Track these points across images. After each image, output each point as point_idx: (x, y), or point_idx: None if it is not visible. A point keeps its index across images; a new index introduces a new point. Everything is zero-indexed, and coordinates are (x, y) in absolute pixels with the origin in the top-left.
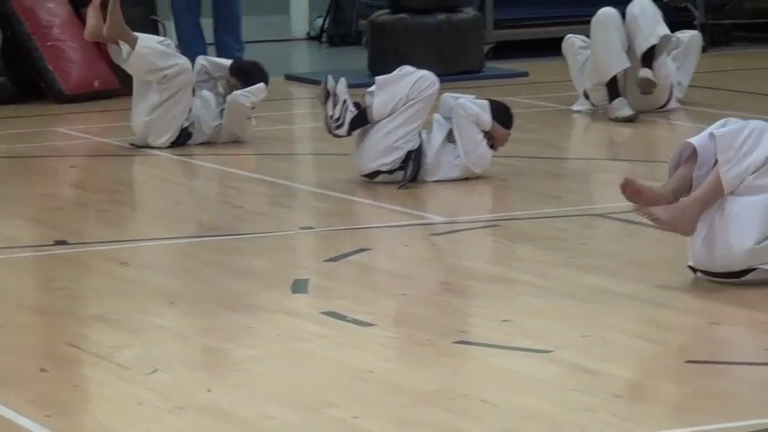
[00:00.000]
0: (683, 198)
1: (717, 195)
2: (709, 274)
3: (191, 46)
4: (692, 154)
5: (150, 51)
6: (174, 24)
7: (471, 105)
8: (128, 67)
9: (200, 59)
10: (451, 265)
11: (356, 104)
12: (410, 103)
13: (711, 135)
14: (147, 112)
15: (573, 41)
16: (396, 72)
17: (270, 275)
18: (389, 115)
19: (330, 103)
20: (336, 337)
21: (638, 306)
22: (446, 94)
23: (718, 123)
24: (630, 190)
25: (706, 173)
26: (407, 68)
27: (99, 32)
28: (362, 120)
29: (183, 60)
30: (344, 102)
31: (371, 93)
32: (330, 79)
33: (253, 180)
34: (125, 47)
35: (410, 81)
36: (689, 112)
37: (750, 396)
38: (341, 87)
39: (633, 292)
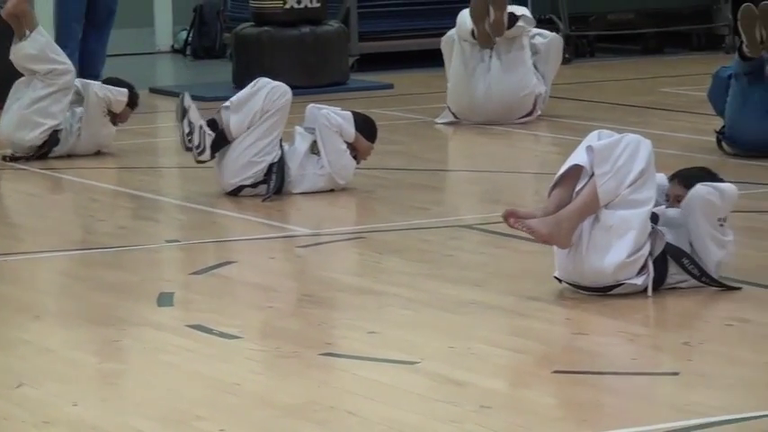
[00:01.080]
0: (560, 211)
1: (593, 208)
2: (576, 287)
3: (70, 56)
4: (571, 175)
5: (47, 41)
6: (58, 34)
7: (335, 116)
8: (18, 50)
9: (76, 81)
10: (317, 277)
11: (212, 123)
12: (266, 115)
13: (589, 148)
14: (25, 106)
15: (452, 35)
16: (249, 87)
17: (135, 289)
18: (248, 129)
19: (186, 121)
20: (203, 350)
21: (504, 317)
22: (311, 105)
23: (592, 135)
24: (513, 219)
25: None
26: (262, 81)
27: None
28: (223, 141)
29: (70, 63)
30: (200, 127)
31: (227, 108)
32: (187, 97)
33: (118, 193)
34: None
35: (263, 93)
36: (552, 122)
37: (617, 405)
38: (193, 114)
39: (499, 303)
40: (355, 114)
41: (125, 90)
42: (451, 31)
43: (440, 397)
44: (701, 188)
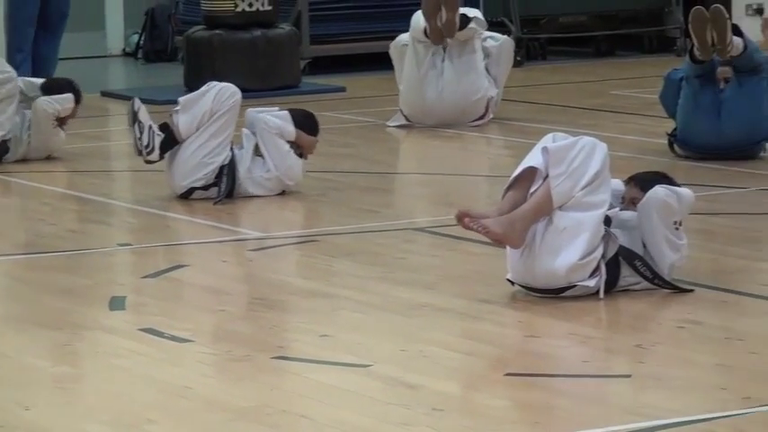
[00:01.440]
0: (514, 211)
1: (547, 209)
2: (528, 289)
3: (24, 60)
4: (526, 176)
5: None
6: (11, 38)
7: (273, 119)
8: None
9: (19, 81)
10: (269, 280)
11: (163, 126)
12: (215, 116)
13: (544, 150)
14: None
15: (400, 41)
16: (200, 89)
17: (87, 293)
18: (197, 131)
19: (137, 127)
20: (155, 354)
21: (456, 320)
22: (249, 109)
23: (547, 138)
24: (468, 219)
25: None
26: (212, 84)
27: None
28: (172, 141)
29: (11, 70)
30: (150, 127)
31: (177, 111)
32: (137, 100)
33: (69, 197)
34: None
35: (212, 94)
36: (504, 125)
37: (569, 408)
38: (143, 114)
39: (452, 306)
40: (292, 111)
41: (70, 96)
42: (400, 37)
43: (392, 400)
44: (659, 190)
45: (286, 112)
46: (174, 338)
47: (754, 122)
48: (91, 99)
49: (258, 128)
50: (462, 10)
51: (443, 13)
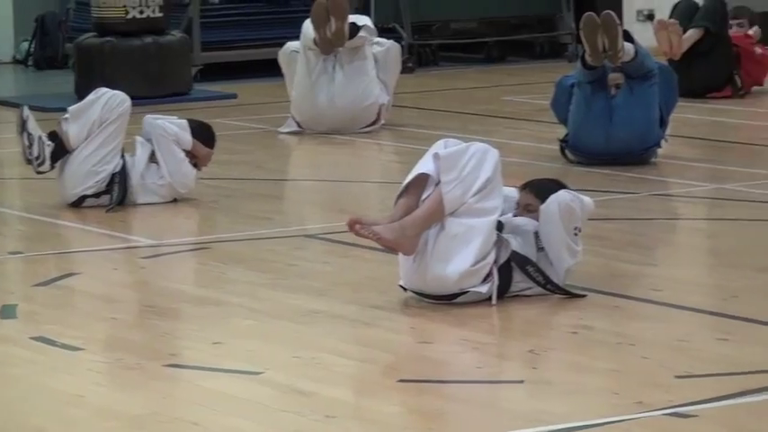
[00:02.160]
0: (406, 217)
1: (438, 216)
2: (421, 295)
3: None
4: (418, 183)
5: None
6: None
7: (170, 125)
8: None
9: None
10: (161, 288)
11: (52, 135)
12: (105, 124)
13: (436, 156)
14: None
15: (288, 47)
16: (88, 97)
17: None
18: (87, 139)
19: (25, 134)
20: (46, 363)
21: (349, 326)
22: (147, 116)
23: (438, 144)
24: (359, 226)
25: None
26: (101, 91)
27: None
28: (62, 151)
29: None
30: (39, 138)
31: (66, 120)
32: (25, 109)
33: None
34: None
35: (101, 102)
36: (396, 131)
37: (462, 413)
38: (31, 124)
39: (344, 313)
40: (191, 122)
41: None
42: (288, 44)
43: (284, 407)
44: (565, 195)
45: (185, 120)
46: (65, 347)
47: (646, 128)
48: None
49: (155, 134)
50: (352, 18)
51: (332, 23)
